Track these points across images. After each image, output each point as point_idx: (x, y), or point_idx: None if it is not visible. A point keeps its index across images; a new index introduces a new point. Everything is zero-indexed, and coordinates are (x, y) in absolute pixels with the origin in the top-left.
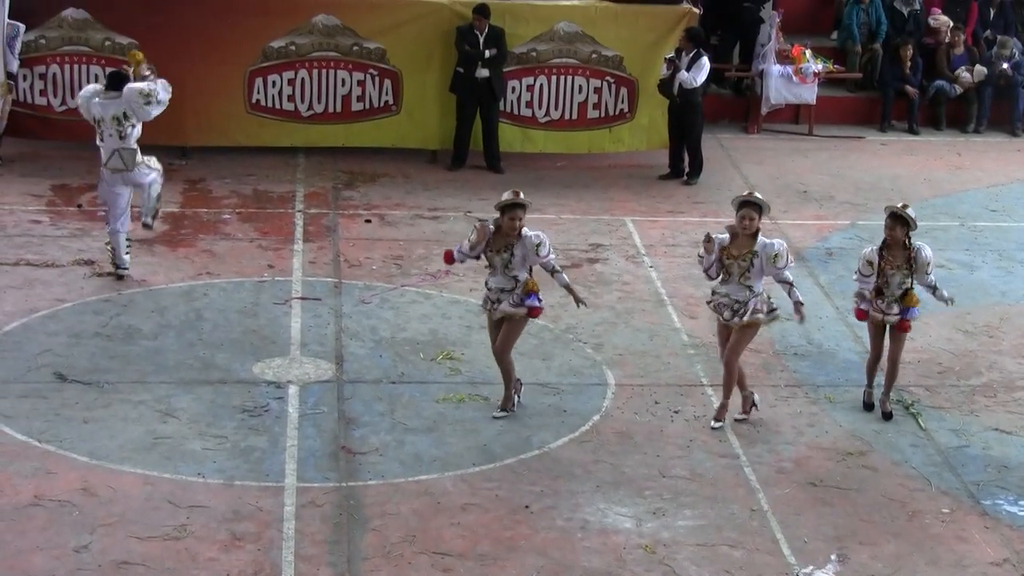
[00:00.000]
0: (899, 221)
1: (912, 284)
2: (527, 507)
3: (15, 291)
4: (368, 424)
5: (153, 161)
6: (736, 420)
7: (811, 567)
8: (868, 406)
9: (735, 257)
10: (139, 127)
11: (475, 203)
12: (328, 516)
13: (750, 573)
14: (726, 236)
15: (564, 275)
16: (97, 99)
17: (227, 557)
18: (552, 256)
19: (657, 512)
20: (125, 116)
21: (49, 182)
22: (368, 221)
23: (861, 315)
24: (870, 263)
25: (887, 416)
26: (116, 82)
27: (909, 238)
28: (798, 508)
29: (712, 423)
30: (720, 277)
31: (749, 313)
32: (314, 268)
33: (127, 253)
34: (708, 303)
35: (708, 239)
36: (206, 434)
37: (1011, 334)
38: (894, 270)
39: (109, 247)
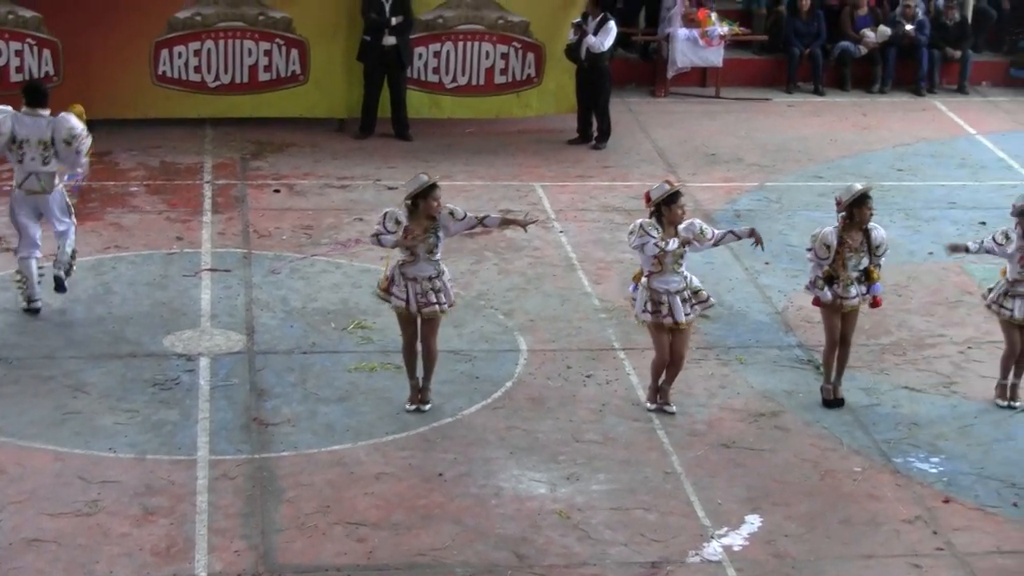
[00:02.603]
0: (870, 201)
1: (871, 262)
2: (441, 475)
3: None
4: (280, 395)
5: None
6: (651, 410)
7: (725, 528)
8: (829, 403)
9: (673, 252)
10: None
11: (384, 171)
12: (241, 488)
13: (664, 536)
14: (652, 226)
15: (491, 215)
16: (19, 116)
17: (140, 532)
18: (469, 212)
19: (571, 477)
20: (53, 142)
21: None
22: (277, 191)
23: (819, 303)
24: (827, 246)
25: (841, 402)
26: (39, 97)
27: None
28: (711, 470)
29: (648, 405)
30: (652, 270)
31: (700, 304)
32: (223, 239)
33: (39, 282)
34: (652, 312)
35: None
36: (117, 408)
37: (919, 292)
38: (852, 252)
39: (19, 278)
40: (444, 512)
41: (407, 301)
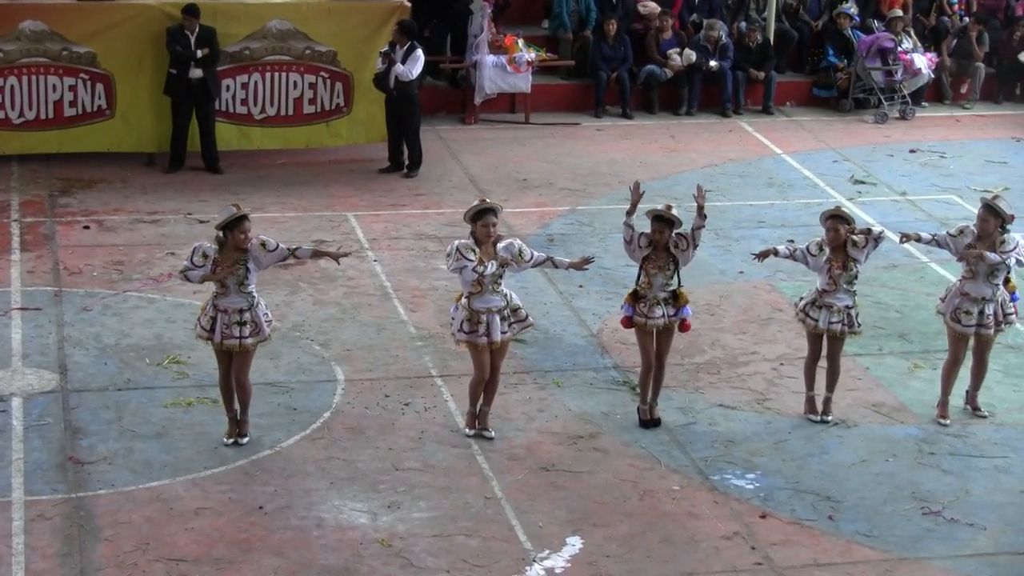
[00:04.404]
0: (666, 224)
1: (680, 284)
2: (261, 508)
3: None
4: (96, 433)
5: None
6: (470, 436)
7: (547, 551)
8: (645, 423)
9: (492, 273)
10: None
11: (195, 204)
12: (58, 529)
13: (487, 561)
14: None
15: (303, 247)
16: None
17: None
18: (281, 243)
19: (392, 505)
20: None
21: None
22: (86, 227)
23: (627, 323)
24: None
25: (658, 422)
26: None
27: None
28: (532, 494)
29: (466, 430)
30: (472, 291)
31: (519, 323)
32: (33, 277)
33: None
34: (468, 332)
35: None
36: None
37: (731, 311)
38: (657, 270)
39: None
40: (266, 545)
41: (213, 332)
